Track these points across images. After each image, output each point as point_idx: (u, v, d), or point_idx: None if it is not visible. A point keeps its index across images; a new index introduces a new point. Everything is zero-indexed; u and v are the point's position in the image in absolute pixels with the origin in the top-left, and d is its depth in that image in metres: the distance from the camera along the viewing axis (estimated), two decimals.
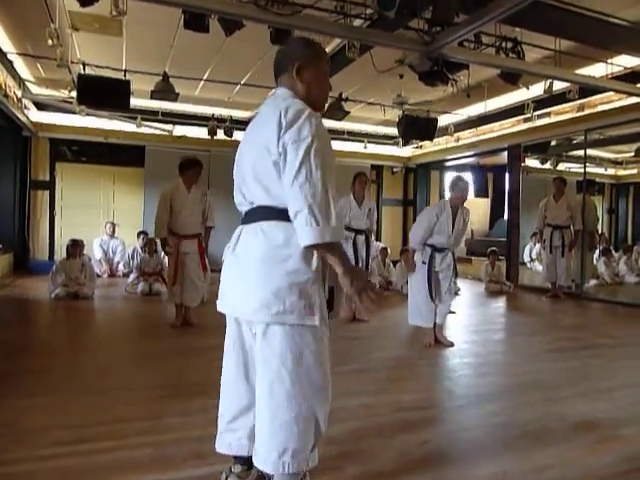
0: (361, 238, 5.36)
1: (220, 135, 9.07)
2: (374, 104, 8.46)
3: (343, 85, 7.14)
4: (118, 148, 9.37)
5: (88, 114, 8.24)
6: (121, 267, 8.82)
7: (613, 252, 9.27)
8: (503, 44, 4.74)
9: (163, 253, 7.77)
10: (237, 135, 9.30)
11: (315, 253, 1.56)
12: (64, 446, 2.22)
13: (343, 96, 7.62)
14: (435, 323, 4.33)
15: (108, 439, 2.31)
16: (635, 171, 10.71)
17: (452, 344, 4.36)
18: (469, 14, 4.04)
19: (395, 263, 8.35)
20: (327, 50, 5.92)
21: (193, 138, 9.46)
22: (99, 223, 9.12)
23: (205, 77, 7.21)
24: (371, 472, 2.07)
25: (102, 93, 5.92)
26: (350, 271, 1.55)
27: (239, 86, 7.57)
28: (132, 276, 7.43)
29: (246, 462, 1.76)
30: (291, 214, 1.51)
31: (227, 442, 1.78)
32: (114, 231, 8.99)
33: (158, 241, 5.18)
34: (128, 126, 9.04)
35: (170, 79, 6.65)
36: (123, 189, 9.63)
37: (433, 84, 4.99)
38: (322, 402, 1.62)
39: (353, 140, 10.45)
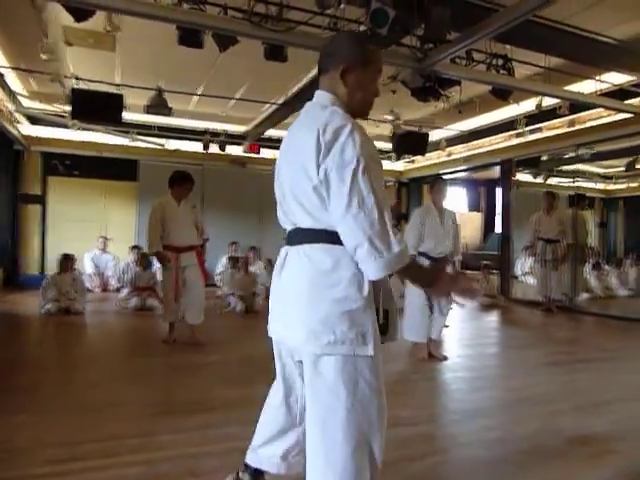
0: None
1: (214, 149, 9.10)
2: (367, 119, 8.50)
3: None
4: (111, 162, 9.36)
5: (81, 128, 8.24)
6: (113, 282, 8.74)
7: (604, 265, 9.35)
8: (494, 61, 4.81)
9: (156, 268, 7.76)
10: (230, 149, 9.34)
11: (365, 278, 1.43)
12: (57, 464, 2.18)
13: None
14: (430, 337, 4.32)
15: (101, 457, 2.27)
16: (625, 186, 10.85)
17: (446, 358, 4.35)
18: (461, 31, 4.11)
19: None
20: None
21: (187, 152, 9.48)
22: (91, 237, 9.06)
23: (199, 92, 7.25)
24: None
25: (95, 107, 5.94)
26: (430, 284, 1.50)
27: (233, 101, 7.62)
28: (124, 291, 7.37)
29: (255, 476, 1.79)
30: (349, 248, 1.39)
31: (258, 457, 1.78)
32: (106, 245, 8.94)
33: (153, 256, 5.14)
34: (121, 140, 9.05)
35: (164, 94, 6.69)
36: (116, 203, 9.60)
37: (425, 100, 5.05)
38: (378, 434, 1.49)
39: None
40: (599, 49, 5.12)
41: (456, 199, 12.29)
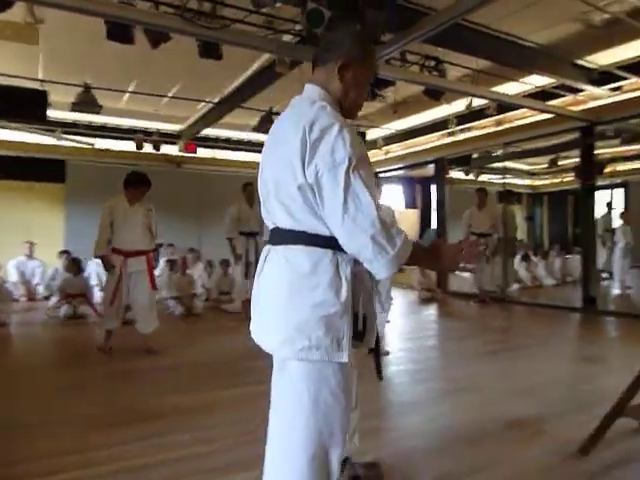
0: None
1: (148, 148, 8.79)
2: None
3: (274, 99, 7.16)
4: (35, 163, 8.80)
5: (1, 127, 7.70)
6: (41, 290, 8.24)
7: (532, 257, 9.91)
8: (427, 62, 4.97)
9: (89, 273, 7.39)
10: (165, 149, 9.06)
11: (344, 282, 1.39)
12: None
13: (274, 110, 7.65)
14: None
15: (36, 477, 2.14)
16: (548, 181, 11.55)
17: (388, 353, 4.44)
18: (395, 33, 4.20)
19: None
20: (257, 64, 5.95)
21: (118, 152, 9.09)
22: (14, 243, 8.48)
23: (130, 89, 6.97)
24: None
25: (17, 104, 5.56)
26: (436, 265, 1.50)
27: (167, 98, 7.39)
28: (53, 299, 6.96)
29: None
30: (351, 251, 1.36)
31: None
32: (32, 251, 8.40)
33: (85, 259, 4.89)
34: (47, 139, 8.54)
35: (92, 90, 6.38)
36: (41, 206, 9.04)
37: None
38: (338, 448, 1.45)
39: None
40: (522, 53, 5.42)
41: (393, 196, 12.58)
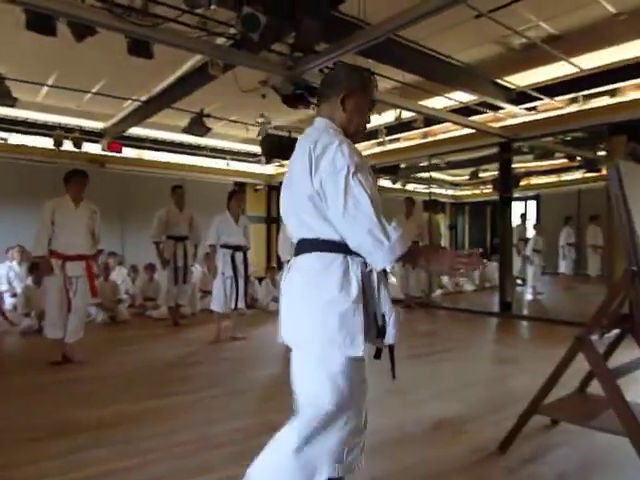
0: (240, 255, 5.34)
1: (68, 146, 8.29)
2: (237, 122, 8.46)
3: (205, 101, 7.04)
4: None
5: None
6: None
7: None
8: None
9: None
10: (87, 147, 8.59)
11: (354, 282, 1.53)
12: None
13: (205, 112, 7.50)
14: None
15: None
16: (470, 192, 12.20)
17: None
18: (330, 43, 4.27)
19: (260, 280, 8.37)
20: (189, 65, 5.81)
21: (35, 148, 8.49)
22: None
23: (50, 82, 6.56)
24: None
25: None
26: (430, 263, 1.54)
27: (90, 95, 7.03)
28: None
29: None
30: (354, 246, 1.51)
31: None
32: None
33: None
34: None
35: (7, 81, 5.93)
36: None
37: (295, 107, 5.15)
38: (357, 439, 1.64)
39: (216, 157, 10.34)
40: (448, 69, 5.70)
41: None
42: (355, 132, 1.71)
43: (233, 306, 5.32)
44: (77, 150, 8.35)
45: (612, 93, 5.94)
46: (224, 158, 10.46)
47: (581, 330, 2.23)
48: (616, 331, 2.44)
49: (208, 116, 7.64)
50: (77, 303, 4.27)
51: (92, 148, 8.71)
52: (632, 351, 2.28)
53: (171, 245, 6.10)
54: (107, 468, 2.30)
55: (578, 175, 8.65)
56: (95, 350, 4.77)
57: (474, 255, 1.54)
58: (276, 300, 7.75)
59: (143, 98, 7.10)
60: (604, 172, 6.86)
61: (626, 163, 2.25)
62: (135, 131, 8.71)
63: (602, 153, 6.68)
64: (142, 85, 6.62)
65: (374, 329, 1.60)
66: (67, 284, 4.18)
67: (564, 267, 8.58)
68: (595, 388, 2.35)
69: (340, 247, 1.56)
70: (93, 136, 8.66)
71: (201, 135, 7.91)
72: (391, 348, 1.70)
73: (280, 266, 7.63)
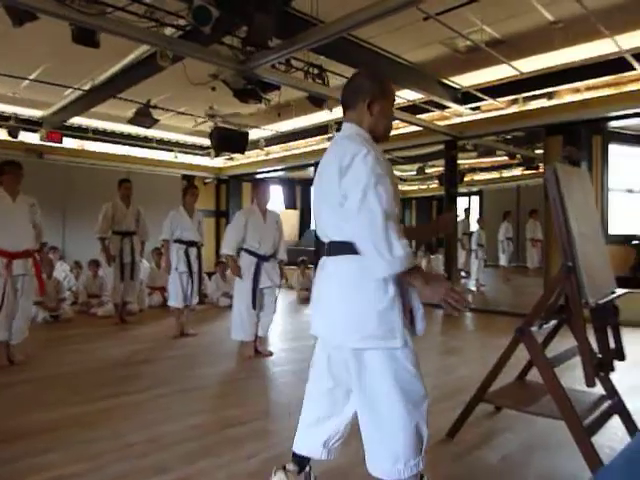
0: (194, 251, 5.25)
1: (3, 135, 7.84)
2: (185, 114, 8.28)
3: (152, 92, 6.85)
4: None
5: None
6: None
7: None
8: (311, 69, 5.11)
9: None
10: (23, 136, 8.14)
11: (390, 281, 1.64)
12: None
13: (152, 103, 7.29)
14: (256, 335, 4.42)
15: None
16: (416, 187, 12.52)
17: (271, 354, 4.51)
18: (282, 39, 4.27)
19: (210, 275, 8.27)
20: (136, 54, 5.62)
21: None
22: None
23: None
24: None
25: None
26: (425, 287, 1.60)
27: (27, 81, 6.67)
28: None
29: (300, 464, 1.97)
30: (360, 249, 1.62)
31: (304, 445, 1.95)
32: None
33: None
34: None
35: None
36: None
37: (246, 101, 5.12)
38: (421, 412, 1.71)
39: (163, 149, 10.08)
40: (396, 68, 5.84)
41: (274, 197, 12.71)
42: (383, 133, 1.84)
43: (187, 302, 5.24)
44: (13, 139, 7.92)
45: (549, 96, 6.28)
46: (172, 150, 10.22)
47: (522, 322, 2.38)
48: (554, 322, 2.62)
49: (155, 107, 7.42)
50: (23, 303, 4.10)
51: (29, 138, 8.27)
52: (568, 340, 2.45)
53: (117, 241, 5.92)
54: (61, 472, 2.23)
55: (517, 172, 9.06)
56: (39, 351, 4.58)
57: (463, 295, 1.61)
58: (226, 295, 7.69)
59: (86, 87, 6.81)
60: (541, 169, 7.24)
61: (562, 165, 2.41)
62: (77, 121, 8.36)
63: (539, 151, 7.04)
64: (85, 73, 6.35)
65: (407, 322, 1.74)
66: (11, 284, 3.98)
67: (504, 260, 9.00)
68: (534, 376, 2.51)
69: None
70: (31, 125, 8.22)
71: (148, 127, 7.68)
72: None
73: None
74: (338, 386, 1.85)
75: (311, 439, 1.93)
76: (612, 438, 2.52)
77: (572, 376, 2.60)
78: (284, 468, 1.95)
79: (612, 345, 2.46)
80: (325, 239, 1.82)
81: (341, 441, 1.92)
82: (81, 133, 8.84)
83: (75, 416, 2.95)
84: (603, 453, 2.12)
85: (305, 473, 1.98)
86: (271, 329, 4.70)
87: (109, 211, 5.89)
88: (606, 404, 2.46)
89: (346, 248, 1.69)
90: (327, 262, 1.79)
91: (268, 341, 4.75)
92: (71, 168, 9.15)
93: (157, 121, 7.51)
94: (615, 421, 2.50)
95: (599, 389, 2.46)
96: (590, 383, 2.14)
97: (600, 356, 2.31)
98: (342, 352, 1.75)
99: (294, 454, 1.97)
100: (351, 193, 1.61)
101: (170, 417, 2.94)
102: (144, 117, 7.29)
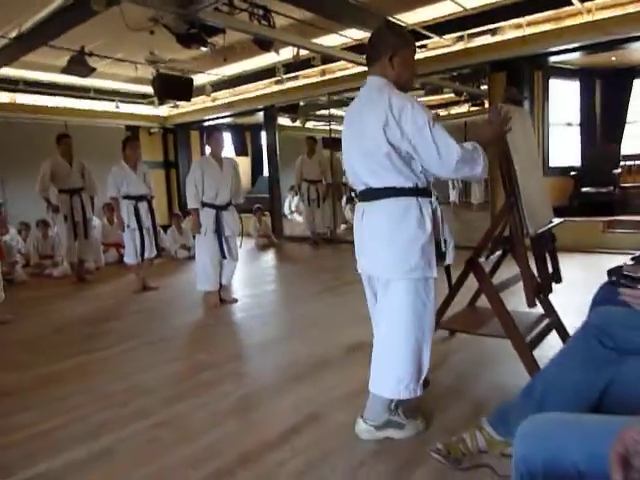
0: (144, 205, 5.17)
1: None
2: (124, 60, 7.85)
3: (86, 38, 6.42)
4: None
5: None
6: None
7: (355, 199, 10.81)
8: (255, 10, 4.95)
9: None
10: None
11: (427, 220, 1.86)
12: None
13: (87, 50, 6.85)
14: (220, 283, 4.51)
15: None
16: None
17: (236, 300, 4.63)
18: None
19: (165, 229, 8.18)
20: None
21: None
22: None
23: None
24: (187, 434, 2.18)
25: None
26: (489, 138, 2.02)
27: None
28: None
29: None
30: (458, 176, 1.88)
31: None
32: None
33: None
34: None
35: None
36: None
37: (190, 46, 4.94)
38: (427, 342, 1.96)
39: (103, 99, 9.57)
40: (342, 6, 5.71)
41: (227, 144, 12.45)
42: (405, 84, 1.96)
43: (142, 257, 5.22)
44: None
45: (493, 32, 6.35)
46: (112, 100, 9.72)
47: (471, 253, 2.58)
48: (499, 252, 2.84)
49: (90, 54, 6.98)
50: None
51: None
52: (512, 267, 2.67)
53: (66, 199, 5.74)
54: (39, 429, 2.30)
55: (465, 109, 9.23)
56: None
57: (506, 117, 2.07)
58: (184, 247, 7.67)
59: (12, 34, 6.31)
60: (487, 105, 7.41)
61: (505, 105, 2.54)
62: (5, 72, 7.76)
63: (485, 87, 7.18)
64: (8, 20, 5.87)
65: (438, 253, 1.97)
66: None
67: (453, 196, 9.32)
68: (483, 302, 2.75)
69: (412, 192, 1.88)
70: None
71: (84, 76, 7.25)
72: (448, 267, 2.16)
73: (186, 213, 7.50)
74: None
75: None
76: (550, 351, 2.82)
77: (516, 300, 2.85)
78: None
79: (550, 270, 2.72)
80: (360, 186, 1.99)
81: None
82: (11, 85, 8.25)
83: (48, 375, 3.00)
84: (542, 364, 2.38)
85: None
86: (235, 277, 4.79)
87: (47, 169, 5.68)
88: (545, 322, 2.75)
89: (388, 193, 1.88)
90: (369, 207, 1.96)
91: (232, 288, 4.85)
92: (2, 124, 8.59)
93: (94, 69, 7.09)
94: (553, 336, 2.80)
95: (539, 309, 2.74)
96: (531, 304, 2.39)
97: (539, 280, 2.56)
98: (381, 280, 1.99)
99: None
100: (420, 138, 1.77)
101: (143, 367, 3.04)
102: (79, 65, 6.85)
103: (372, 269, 2.02)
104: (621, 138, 7.91)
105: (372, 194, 1.93)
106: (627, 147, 7.89)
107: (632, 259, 1.64)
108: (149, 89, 8.68)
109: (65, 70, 6.97)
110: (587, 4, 5.55)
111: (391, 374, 1.95)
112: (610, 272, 1.60)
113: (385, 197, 1.89)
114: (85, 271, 6.20)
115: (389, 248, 1.90)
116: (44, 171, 5.67)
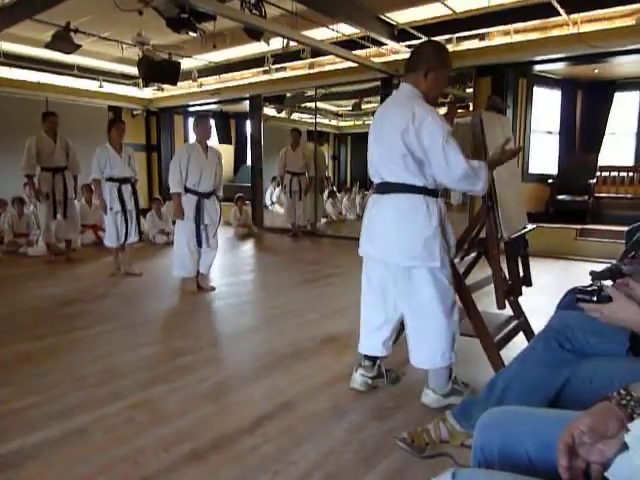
0: (128, 188, 5.13)
1: None
2: (110, 40, 7.72)
3: (72, 14, 6.31)
4: None
5: None
6: None
7: (337, 193, 10.89)
8: None
9: None
10: None
11: (433, 216, 2.10)
12: None
13: (72, 26, 6.72)
14: (198, 271, 4.52)
15: None
16: (352, 123, 12.59)
17: (214, 289, 4.66)
18: None
19: (144, 213, 8.10)
20: None
21: None
22: None
23: None
24: (161, 416, 2.22)
25: None
26: (494, 163, 2.17)
27: None
28: None
29: (373, 360, 2.49)
30: (460, 188, 2.17)
31: (369, 346, 2.45)
32: None
33: None
34: None
35: None
36: None
37: (179, 31, 4.90)
38: (454, 316, 2.24)
39: (86, 77, 9.39)
40: (333, 1, 5.74)
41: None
42: (433, 98, 2.18)
43: (123, 240, 5.19)
44: None
45: (481, 37, 6.46)
46: (96, 79, 9.55)
47: None
48: (474, 254, 2.93)
49: (76, 31, 6.86)
50: None
51: None
52: (485, 269, 2.77)
53: (49, 177, 5.66)
54: (13, 406, 2.31)
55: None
56: None
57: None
58: (162, 232, 7.63)
59: None
60: (472, 108, 7.53)
61: (487, 113, 2.62)
62: None
63: (470, 90, 7.29)
64: None
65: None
66: None
67: None
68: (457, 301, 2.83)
69: (421, 190, 2.11)
70: None
71: (68, 52, 7.11)
72: (452, 261, 2.34)
73: (167, 197, 7.45)
74: (386, 300, 2.32)
75: (374, 341, 2.42)
76: (517, 351, 2.93)
77: (488, 300, 2.95)
78: (360, 365, 2.50)
79: (522, 274, 2.83)
80: (377, 179, 2.23)
81: (392, 341, 2.44)
82: None
83: (22, 354, 3.00)
84: (508, 363, 2.49)
85: (377, 365, 2.52)
86: (213, 265, 4.80)
87: (32, 146, 5.58)
88: (513, 323, 2.86)
89: (400, 188, 2.12)
90: (381, 199, 2.21)
91: (209, 277, 4.87)
92: None
93: (79, 46, 6.97)
94: (521, 337, 2.91)
95: (509, 311, 2.84)
96: (500, 306, 2.49)
97: (510, 283, 2.66)
98: (391, 270, 2.22)
99: (366, 356, 2.50)
100: (435, 150, 2.00)
101: (120, 350, 3.06)
102: (64, 42, 6.72)
103: (379, 254, 2.25)
104: (599, 149, 8.12)
105: (387, 187, 2.17)
106: (604, 158, 8.12)
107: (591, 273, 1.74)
108: (134, 70, 8.56)
109: (49, 45, 6.83)
110: (573, 16, 5.69)
111: (427, 348, 2.23)
112: (592, 274, 1.75)
113: (397, 192, 2.14)
114: (73, 250, 6.11)
115: (397, 237, 2.15)
116: (29, 148, 5.58)
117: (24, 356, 2.95)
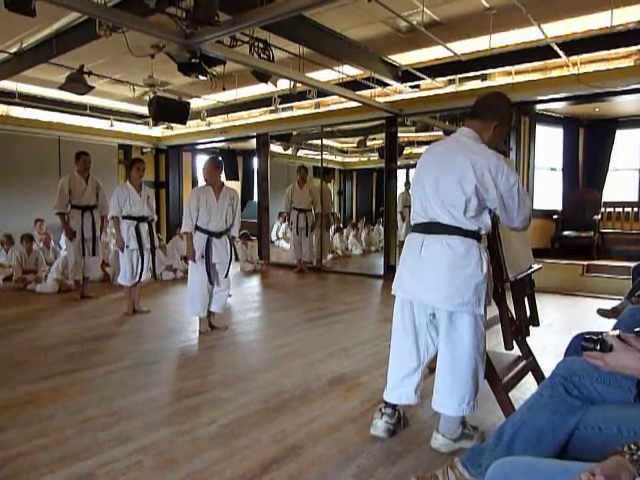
0: (145, 226, 5.21)
1: None
2: (121, 81, 7.98)
3: (87, 57, 6.54)
4: None
5: None
6: None
7: (344, 229, 10.97)
8: (256, 44, 5.11)
9: None
10: None
11: (484, 262, 2.13)
12: None
13: (86, 69, 6.96)
14: (209, 310, 4.51)
15: None
16: (357, 159, 12.80)
17: (227, 327, 4.64)
18: (230, 14, 4.24)
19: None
20: (70, 18, 5.35)
21: None
22: None
23: None
24: (169, 460, 2.20)
25: None
26: None
27: None
28: None
29: (394, 406, 2.45)
30: (516, 227, 2.22)
31: (397, 395, 2.38)
32: None
33: None
34: None
35: None
36: None
37: (191, 75, 5.06)
38: (483, 366, 2.24)
39: (97, 117, 9.65)
40: (340, 45, 5.94)
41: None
42: (494, 147, 2.21)
43: (137, 279, 5.22)
44: None
45: (483, 77, 6.62)
46: (107, 118, 9.82)
47: None
48: None
49: (89, 73, 7.10)
50: None
51: None
52: (492, 308, 2.77)
53: (78, 215, 5.79)
54: (17, 451, 2.28)
55: None
56: None
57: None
58: (169, 269, 7.65)
59: (12, 50, 6.41)
60: None
61: None
62: (1, 84, 7.83)
63: None
64: (9, 36, 5.98)
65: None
66: None
67: None
68: None
69: (475, 235, 2.15)
70: None
71: (82, 93, 7.33)
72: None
73: (172, 233, 7.49)
74: (419, 344, 2.31)
75: (405, 389, 2.36)
76: (526, 392, 2.91)
77: (495, 340, 2.94)
78: (382, 412, 2.44)
79: (528, 313, 2.82)
80: (422, 219, 2.23)
81: (421, 387, 2.40)
82: (6, 98, 8.30)
83: (28, 394, 2.99)
84: (518, 404, 2.45)
85: (398, 413, 2.49)
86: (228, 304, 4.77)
87: (65, 186, 5.75)
88: (522, 364, 2.83)
89: (455, 231, 2.13)
90: (430, 239, 2.19)
91: (224, 316, 4.85)
92: None
93: (92, 88, 7.19)
94: (529, 378, 2.88)
95: (517, 351, 2.82)
96: (508, 347, 2.48)
97: (517, 323, 2.66)
98: (433, 311, 2.24)
99: (387, 403, 2.44)
100: (509, 196, 2.08)
101: (127, 391, 3.04)
102: (78, 83, 6.94)
103: (421, 296, 2.24)
104: (603, 185, 8.19)
105: (437, 228, 2.17)
106: (608, 194, 8.17)
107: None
108: (144, 109, 8.80)
109: (63, 87, 7.05)
110: (573, 58, 5.84)
111: (456, 395, 2.21)
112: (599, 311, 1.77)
113: (451, 234, 2.13)
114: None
115: (450, 280, 2.12)
116: (62, 187, 5.74)
117: (30, 398, 2.94)
